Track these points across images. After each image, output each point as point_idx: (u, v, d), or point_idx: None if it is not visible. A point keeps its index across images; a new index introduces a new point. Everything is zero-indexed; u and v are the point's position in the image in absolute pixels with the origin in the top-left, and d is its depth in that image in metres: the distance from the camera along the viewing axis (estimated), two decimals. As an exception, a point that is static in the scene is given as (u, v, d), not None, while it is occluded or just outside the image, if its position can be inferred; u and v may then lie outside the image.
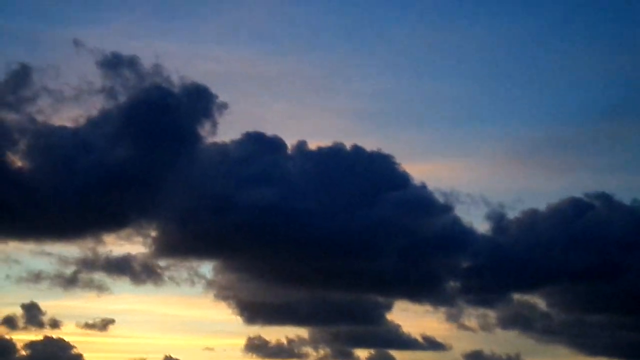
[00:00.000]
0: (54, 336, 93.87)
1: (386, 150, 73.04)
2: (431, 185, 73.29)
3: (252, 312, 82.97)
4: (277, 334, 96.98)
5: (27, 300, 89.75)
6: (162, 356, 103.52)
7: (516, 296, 78.28)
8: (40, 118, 63.94)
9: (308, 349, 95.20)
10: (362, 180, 70.40)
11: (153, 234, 70.26)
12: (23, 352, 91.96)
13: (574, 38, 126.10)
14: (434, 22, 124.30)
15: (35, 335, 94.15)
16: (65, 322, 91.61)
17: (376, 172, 71.55)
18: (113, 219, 66.53)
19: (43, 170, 62.58)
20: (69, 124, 64.61)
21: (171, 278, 78.34)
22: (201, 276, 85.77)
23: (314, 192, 68.11)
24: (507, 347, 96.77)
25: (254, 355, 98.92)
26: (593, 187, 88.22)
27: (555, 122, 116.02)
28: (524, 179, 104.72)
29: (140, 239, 71.30)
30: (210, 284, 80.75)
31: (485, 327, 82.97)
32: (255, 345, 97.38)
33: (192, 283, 79.06)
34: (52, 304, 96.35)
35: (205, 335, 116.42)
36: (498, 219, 73.74)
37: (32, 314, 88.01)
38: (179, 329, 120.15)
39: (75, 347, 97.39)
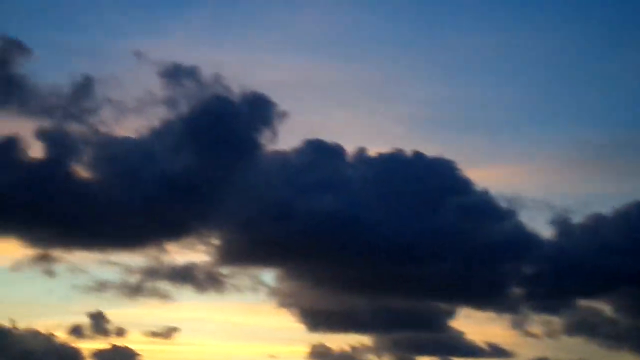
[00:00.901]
0: (120, 344, 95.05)
1: (448, 155, 72.51)
2: (494, 191, 72.54)
3: (315, 319, 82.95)
4: (340, 341, 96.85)
5: (93, 309, 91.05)
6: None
7: (582, 302, 77.11)
8: (103, 129, 65.04)
9: (371, 357, 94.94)
10: (423, 186, 69.94)
11: (215, 242, 70.75)
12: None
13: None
14: (494, 27, 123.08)
15: (101, 344, 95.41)
16: (130, 330, 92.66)
17: (438, 178, 71.04)
18: (176, 228, 67.15)
19: (107, 181, 63.53)
20: (131, 134, 65.63)
21: (234, 286, 78.73)
22: (264, 284, 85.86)
23: (374, 198, 67.92)
24: (572, 354, 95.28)
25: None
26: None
27: (621, 125, 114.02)
28: (589, 183, 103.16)
29: (202, 247, 71.86)
30: (272, 292, 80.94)
31: (550, 333, 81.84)
32: (318, 352, 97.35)
33: (255, 291, 79.33)
34: (117, 312, 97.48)
35: (268, 342, 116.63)
36: (563, 224, 72.76)
37: (98, 323, 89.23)
38: (242, 336, 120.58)
39: (141, 355, 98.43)
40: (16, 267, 73.43)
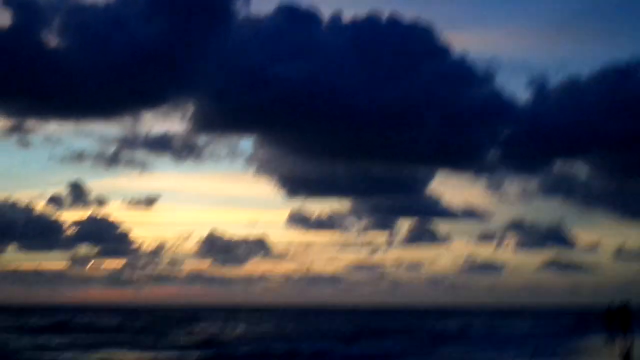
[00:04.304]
0: (101, 213, 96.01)
1: (425, 19, 71.14)
2: (472, 54, 71.86)
3: (294, 185, 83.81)
4: (319, 206, 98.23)
5: (71, 180, 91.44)
6: (208, 230, 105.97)
7: (557, 164, 77.95)
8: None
9: (350, 220, 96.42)
10: (400, 51, 69.04)
11: (190, 110, 70.51)
12: (71, 230, 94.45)
13: None
14: None
15: (81, 214, 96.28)
16: (110, 199, 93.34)
17: (415, 43, 70.01)
18: (150, 97, 66.87)
19: (78, 49, 62.53)
20: (100, 0, 64.31)
21: (211, 154, 78.95)
22: (241, 152, 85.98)
23: (351, 64, 67.17)
24: (548, 215, 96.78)
25: (297, 228, 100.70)
26: (637, 53, 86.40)
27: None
28: (567, 46, 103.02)
29: (178, 116, 71.64)
30: (250, 160, 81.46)
31: (526, 195, 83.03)
32: (297, 218, 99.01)
33: (233, 159, 79.59)
34: (96, 182, 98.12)
35: (248, 209, 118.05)
36: (540, 87, 72.63)
37: (77, 193, 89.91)
38: (222, 203, 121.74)
39: (122, 223, 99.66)
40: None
